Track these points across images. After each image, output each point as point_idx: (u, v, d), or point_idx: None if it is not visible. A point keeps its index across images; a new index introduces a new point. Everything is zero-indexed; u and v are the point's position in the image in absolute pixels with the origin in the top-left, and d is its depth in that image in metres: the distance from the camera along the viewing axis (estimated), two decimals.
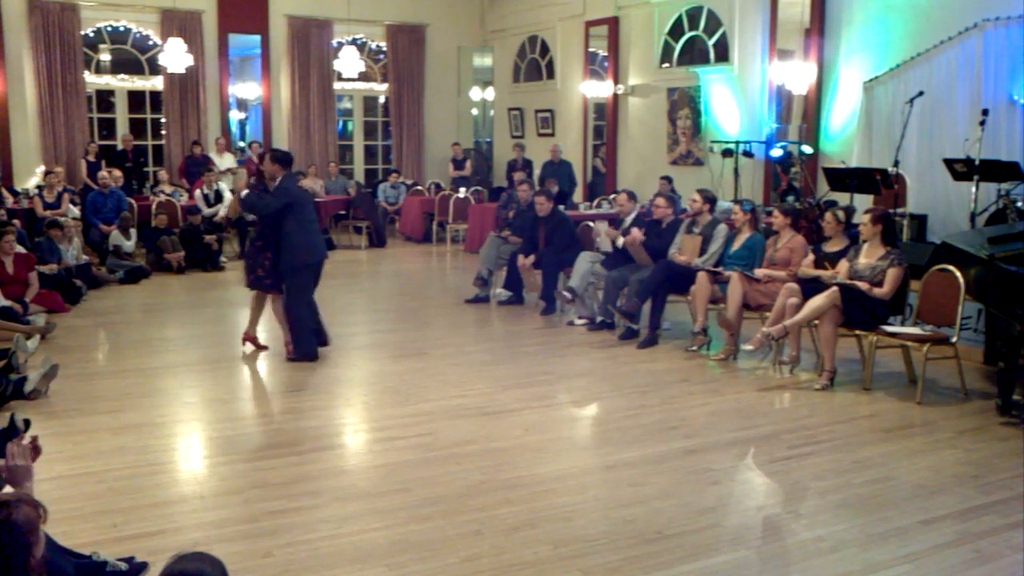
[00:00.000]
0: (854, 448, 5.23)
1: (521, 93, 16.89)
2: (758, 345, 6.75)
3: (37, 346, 7.08)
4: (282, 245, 6.88)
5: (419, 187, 15.81)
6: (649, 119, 13.95)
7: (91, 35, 14.54)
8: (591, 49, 15.03)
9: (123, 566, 3.53)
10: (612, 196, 12.84)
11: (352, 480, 4.72)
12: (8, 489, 2.98)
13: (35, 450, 3.26)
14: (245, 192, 7.09)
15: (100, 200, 11.67)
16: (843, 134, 11.02)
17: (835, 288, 6.37)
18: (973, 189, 8.26)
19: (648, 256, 8.02)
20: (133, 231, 11.48)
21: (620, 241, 8.38)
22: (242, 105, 18.64)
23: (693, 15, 13.05)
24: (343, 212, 14.50)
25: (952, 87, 9.49)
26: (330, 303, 10.07)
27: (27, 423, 4.18)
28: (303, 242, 6.93)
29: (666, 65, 13.61)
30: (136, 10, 14.52)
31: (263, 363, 7.47)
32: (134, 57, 15.00)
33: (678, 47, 13.39)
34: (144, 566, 3.59)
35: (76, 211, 11.70)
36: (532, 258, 9.03)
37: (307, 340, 7.05)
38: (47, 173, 12.11)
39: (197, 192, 12.87)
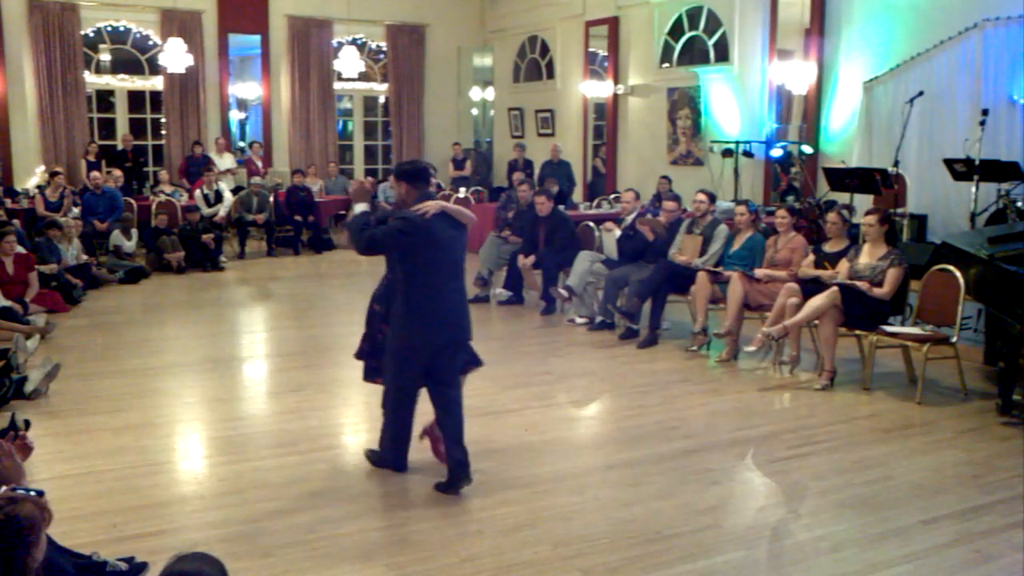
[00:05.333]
0: (854, 448, 5.23)
1: (521, 93, 16.88)
2: (759, 345, 6.75)
3: (37, 346, 7.08)
4: (396, 303, 4.48)
5: None
6: (649, 119, 13.95)
7: (91, 35, 14.53)
8: (591, 49, 15.02)
9: (123, 566, 3.53)
10: (614, 196, 12.87)
11: (352, 480, 4.71)
12: (3, 489, 2.98)
13: (26, 448, 3.26)
14: (358, 210, 4.46)
15: (94, 200, 11.68)
16: (843, 134, 11.01)
17: (835, 288, 6.37)
18: (973, 189, 8.25)
19: (662, 228, 8.08)
20: (134, 231, 11.48)
21: (617, 233, 8.42)
22: (242, 105, 18.64)
23: (693, 15, 13.05)
24: (343, 212, 14.49)
25: (952, 87, 9.48)
26: (330, 303, 10.10)
27: (27, 423, 4.18)
28: (420, 308, 4.38)
29: (666, 65, 13.60)
30: (136, 10, 14.52)
31: (263, 363, 7.48)
32: (134, 57, 15.00)
33: (678, 47, 13.39)
34: (144, 566, 3.59)
35: (77, 211, 11.70)
36: (532, 258, 9.03)
37: (394, 448, 4.73)
38: (53, 174, 12.11)
39: (197, 192, 12.86)
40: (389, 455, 4.73)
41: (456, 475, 4.44)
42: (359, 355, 4.89)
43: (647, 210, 8.93)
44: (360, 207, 4.44)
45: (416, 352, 4.45)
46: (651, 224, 8.22)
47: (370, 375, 4.84)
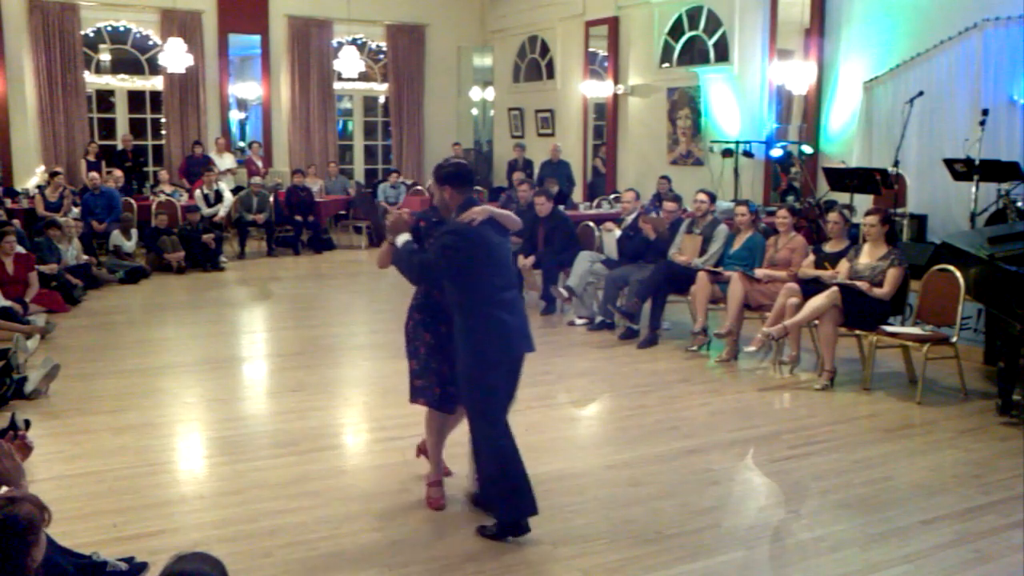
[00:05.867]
0: (854, 448, 5.22)
1: (521, 93, 16.88)
2: (759, 345, 6.75)
3: (37, 346, 7.08)
4: (457, 324, 4.03)
5: (419, 187, 15.81)
6: (649, 119, 13.95)
7: (91, 35, 14.53)
8: (591, 49, 15.03)
9: (123, 566, 3.53)
10: (614, 196, 12.87)
11: (352, 480, 4.72)
12: (3, 489, 2.97)
13: (25, 448, 3.26)
14: (402, 240, 4.08)
15: (92, 200, 11.70)
16: (843, 134, 11.01)
17: (835, 288, 6.37)
18: (973, 189, 8.26)
19: (664, 226, 8.10)
20: (134, 231, 11.48)
21: (617, 233, 8.44)
22: (242, 105, 18.64)
23: (693, 15, 13.05)
24: (343, 212, 14.50)
25: (952, 87, 9.48)
26: (330, 303, 10.10)
27: (27, 423, 4.18)
28: (486, 323, 3.97)
29: (666, 65, 13.60)
30: (136, 10, 14.52)
31: (263, 363, 7.48)
32: (134, 57, 15.00)
33: (678, 47, 13.39)
34: (144, 566, 3.59)
35: (77, 211, 11.71)
36: (532, 258, 9.03)
37: (515, 495, 3.99)
38: (53, 175, 12.11)
39: (197, 192, 12.86)
40: (507, 504, 3.97)
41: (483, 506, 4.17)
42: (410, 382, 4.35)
43: (647, 209, 8.94)
44: (403, 238, 4.04)
45: (496, 368, 3.98)
46: (654, 222, 8.24)
47: (417, 393, 4.29)
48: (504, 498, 3.98)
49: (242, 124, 18.98)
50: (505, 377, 4.04)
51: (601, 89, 14.80)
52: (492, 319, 3.96)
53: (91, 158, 13.43)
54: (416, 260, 3.95)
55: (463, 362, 3.99)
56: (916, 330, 6.42)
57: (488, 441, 3.98)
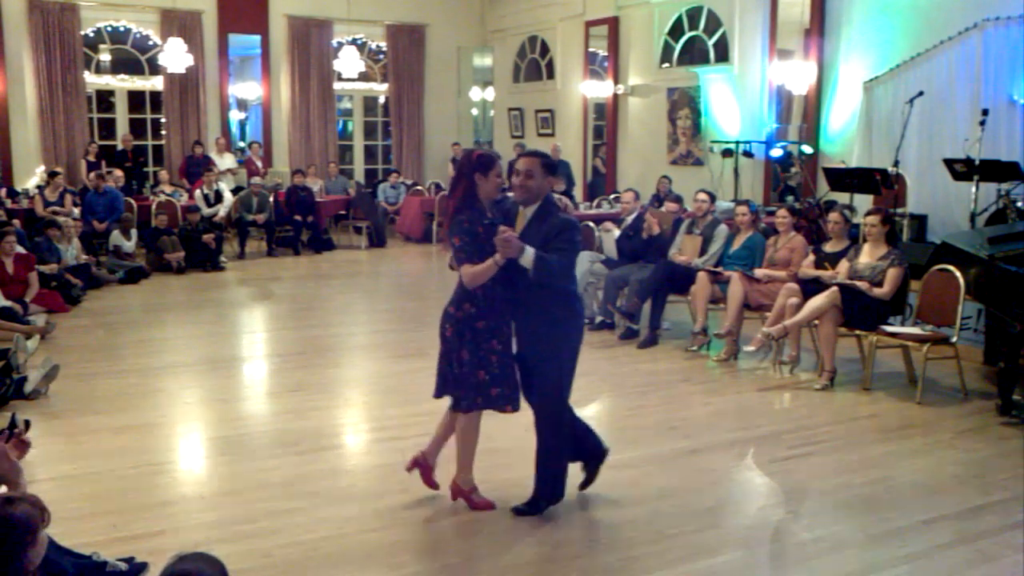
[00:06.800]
0: (854, 448, 5.22)
1: (521, 93, 16.88)
2: (759, 345, 6.75)
3: (37, 346, 7.07)
4: (551, 313, 4.08)
5: (419, 187, 15.82)
6: (649, 119, 13.95)
7: (91, 35, 14.54)
8: (591, 49, 15.03)
9: (123, 566, 3.53)
10: (614, 196, 12.87)
11: (352, 480, 4.72)
12: (3, 489, 2.97)
13: (23, 445, 3.25)
14: (531, 255, 3.91)
15: (94, 200, 11.70)
16: (843, 134, 11.01)
17: (835, 288, 6.37)
18: (973, 189, 8.26)
19: (669, 221, 8.13)
20: (134, 231, 11.48)
21: (617, 233, 8.45)
22: (242, 105, 18.64)
23: (693, 15, 13.05)
24: (343, 212, 14.51)
25: (952, 87, 9.49)
26: (330, 303, 10.10)
27: (28, 424, 4.17)
28: (575, 306, 4.20)
29: (666, 65, 13.61)
30: (136, 10, 14.53)
31: (263, 363, 7.48)
32: (134, 57, 15.00)
33: (678, 47, 13.39)
34: (144, 566, 3.59)
35: (77, 211, 11.71)
36: None
37: (561, 478, 4.27)
38: (53, 175, 12.10)
39: (197, 192, 12.86)
40: (549, 490, 4.19)
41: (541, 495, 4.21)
42: (474, 393, 4.16)
43: (646, 210, 8.96)
44: (530, 254, 3.89)
45: (576, 351, 4.17)
46: (660, 216, 8.26)
47: (498, 401, 4.16)
48: (556, 477, 4.21)
49: (242, 124, 18.98)
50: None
51: (601, 89, 14.80)
52: (578, 306, 4.24)
53: (91, 158, 13.43)
54: (564, 264, 4.01)
55: (554, 348, 4.09)
56: (916, 330, 6.42)
57: (562, 421, 4.16)
